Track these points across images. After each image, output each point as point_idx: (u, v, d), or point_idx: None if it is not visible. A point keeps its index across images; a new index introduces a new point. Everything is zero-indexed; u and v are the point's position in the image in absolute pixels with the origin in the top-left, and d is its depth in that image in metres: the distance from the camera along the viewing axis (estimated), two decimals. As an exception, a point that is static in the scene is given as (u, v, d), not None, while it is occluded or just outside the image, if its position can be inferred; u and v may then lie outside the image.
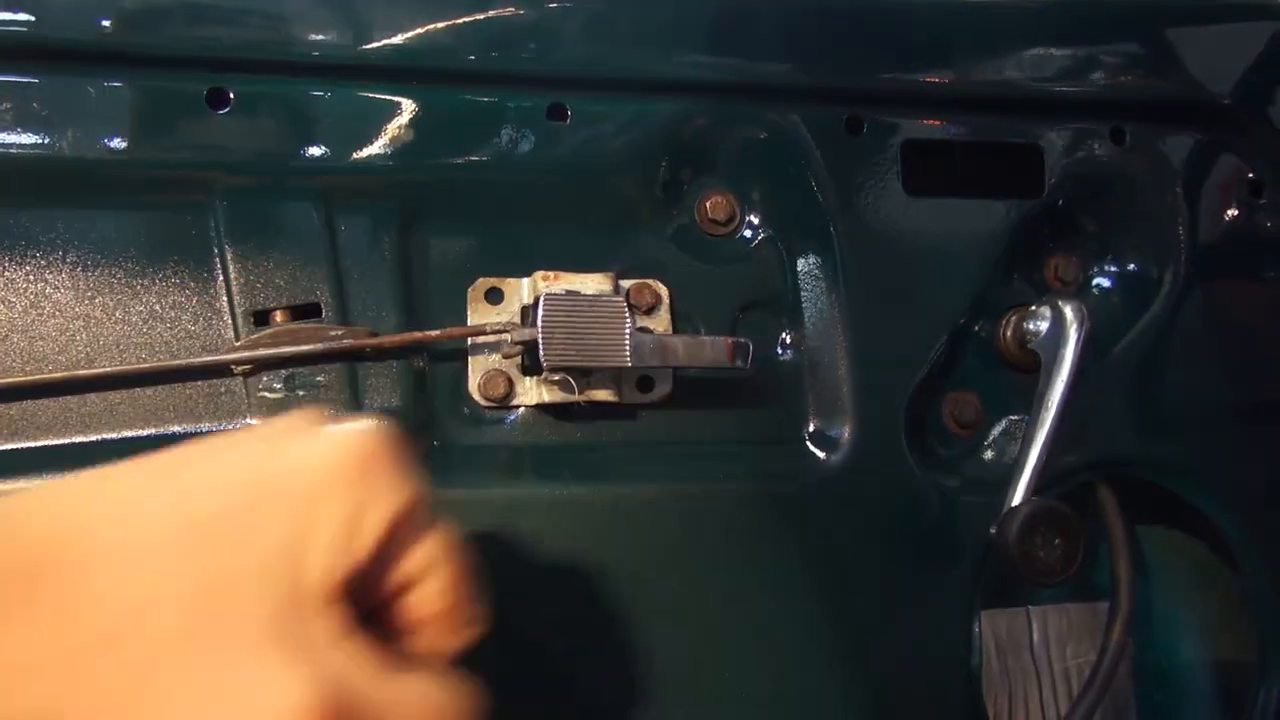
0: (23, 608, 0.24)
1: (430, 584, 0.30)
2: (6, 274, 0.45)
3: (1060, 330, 0.50)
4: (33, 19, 0.43)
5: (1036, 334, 0.51)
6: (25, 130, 0.44)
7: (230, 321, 0.46)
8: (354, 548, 0.27)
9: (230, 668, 0.25)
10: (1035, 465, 0.48)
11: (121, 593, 0.24)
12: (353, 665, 0.26)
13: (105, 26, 0.44)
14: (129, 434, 0.45)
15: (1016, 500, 0.48)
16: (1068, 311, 0.50)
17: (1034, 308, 0.52)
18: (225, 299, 0.46)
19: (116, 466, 0.27)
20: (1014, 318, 0.54)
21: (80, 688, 0.24)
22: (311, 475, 0.27)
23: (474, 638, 0.32)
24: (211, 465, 0.28)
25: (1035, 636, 0.61)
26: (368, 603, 0.30)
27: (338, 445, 0.28)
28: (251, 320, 0.46)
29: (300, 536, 0.26)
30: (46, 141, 0.44)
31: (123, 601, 0.24)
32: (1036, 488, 0.48)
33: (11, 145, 0.44)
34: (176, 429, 0.45)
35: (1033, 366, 0.53)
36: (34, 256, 0.45)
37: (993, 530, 0.48)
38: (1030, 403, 0.53)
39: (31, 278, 0.45)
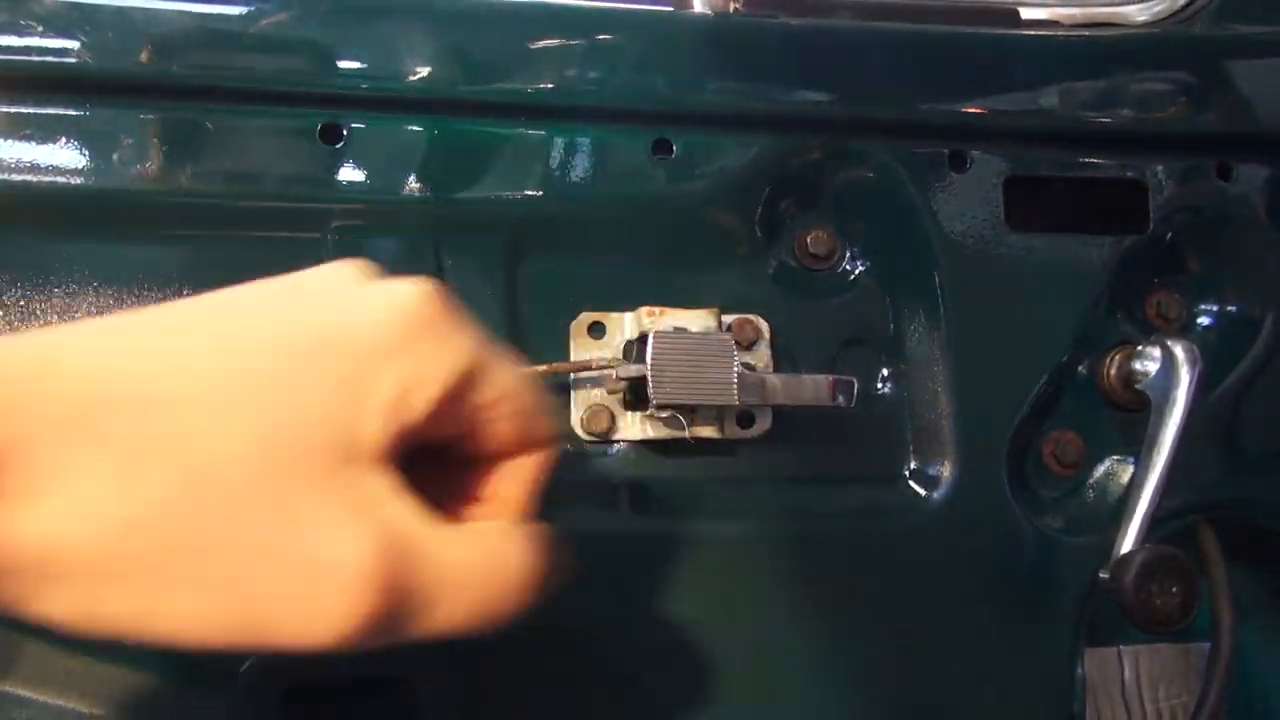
0: (90, 455, 0.23)
1: (498, 421, 0.30)
2: (123, 308, 0.45)
3: (1171, 371, 0.49)
4: (149, 57, 0.44)
5: (1145, 374, 0.50)
6: (141, 164, 0.44)
7: (340, 355, 0.47)
8: (408, 411, 0.27)
9: (293, 522, 0.24)
10: (1146, 509, 0.48)
11: (189, 445, 0.24)
12: (411, 520, 0.26)
13: (224, 65, 0.45)
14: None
15: (1128, 545, 0.47)
16: (1179, 352, 0.49)
17: (1141, 347, 0.51)
18: (336, 333, 0.47)
19: (153, 311, 0.27)
20: (1118, 357, 0.53)
21: (149, 537, 0.23)
22: (368, 335, 0.27)
23: (546, 467, 0.32)
24: (262, 315, 0.27)
25: (1127, 676, 0.60)
26: (436, 453, 0.30)
27: (394, 305, 0.27)
28: (361, 354, 0.46)
29: (356, 397, 0.26)
30: (163, 175, 0.45)
31: (189, 455, 0.24)
32: (1148, 532, 0.47)
33: (127, 179, 0.44)
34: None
35: (1136, 406, 0.53)
36: (149, 290, 0.46)
37: (1104, 575, 0.47)
38: (1133, 443, 0.52)
39: (148, 310, 0.46)
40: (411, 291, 0.28)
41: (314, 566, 0.25)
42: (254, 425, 0.25)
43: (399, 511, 0.26)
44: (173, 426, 0.24)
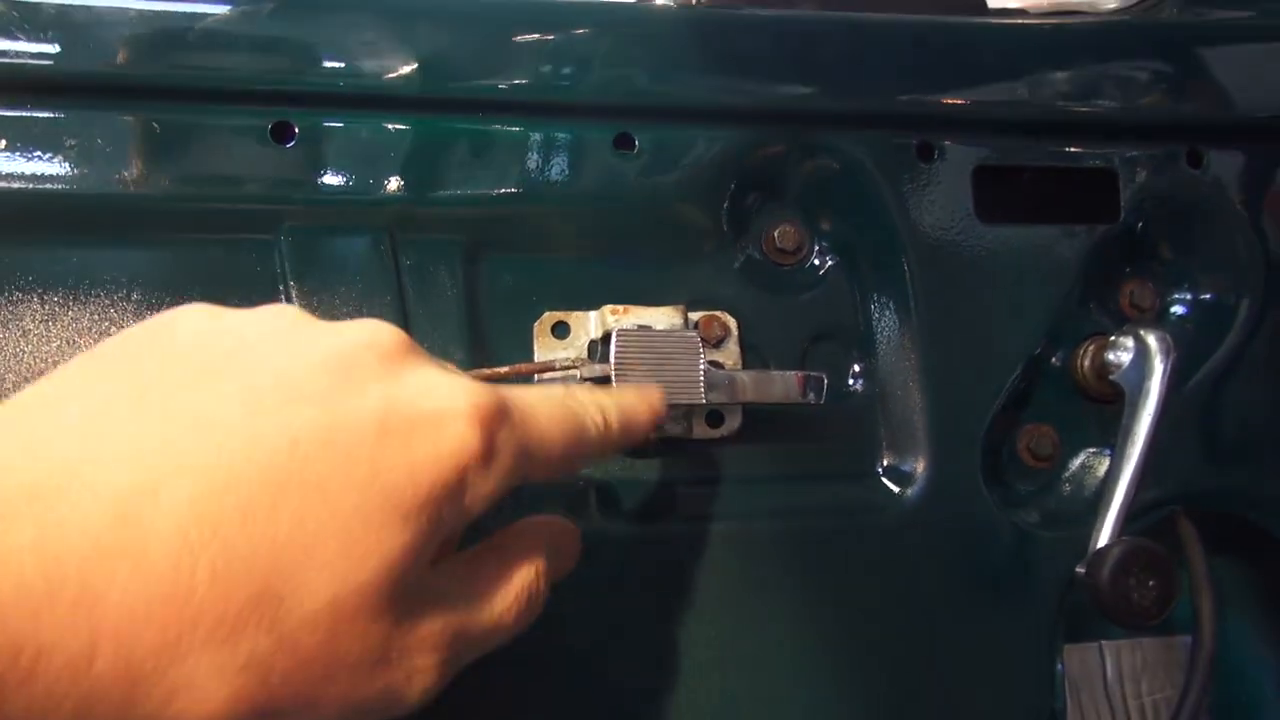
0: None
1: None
2: (69, 318, 0.44)
3: (1144, 361, 0.48)
4: (94, 53, 0.43)
5: (1119, 365, 0.50)
6: (86, 167, 0.43)
7: (296, 360, 0.45)
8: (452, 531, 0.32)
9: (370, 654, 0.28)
10: (1122, 501, 0.47)
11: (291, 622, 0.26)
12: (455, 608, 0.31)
13: (169, 61, 0.43)
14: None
15: (1104, 539, 0.46)
16: (1152, 342, 0.48)
17: (1114, 338, 0.51)
18: (291, 337, 0.45)
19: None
20: (1092, 348, 0.52)
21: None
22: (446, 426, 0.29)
23: None
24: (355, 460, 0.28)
25: (1109, 672, 0.59)
26: None
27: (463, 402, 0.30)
28: (317, 359, 0.45)
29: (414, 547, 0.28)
30: (109, 179, 0.43)
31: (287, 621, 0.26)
32: (1124, 525, 0.47)
33: (72, 183, 0.43)
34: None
35: (1111, 398, 0.52)
36: (96, 299, 0.44)
37: (1080, 570, 0.46)
38: (1109, 434, 0.52)
39: (94, 322, 0.44)
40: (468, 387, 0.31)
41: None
42: (332, 566, 0.26)
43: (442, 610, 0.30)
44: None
